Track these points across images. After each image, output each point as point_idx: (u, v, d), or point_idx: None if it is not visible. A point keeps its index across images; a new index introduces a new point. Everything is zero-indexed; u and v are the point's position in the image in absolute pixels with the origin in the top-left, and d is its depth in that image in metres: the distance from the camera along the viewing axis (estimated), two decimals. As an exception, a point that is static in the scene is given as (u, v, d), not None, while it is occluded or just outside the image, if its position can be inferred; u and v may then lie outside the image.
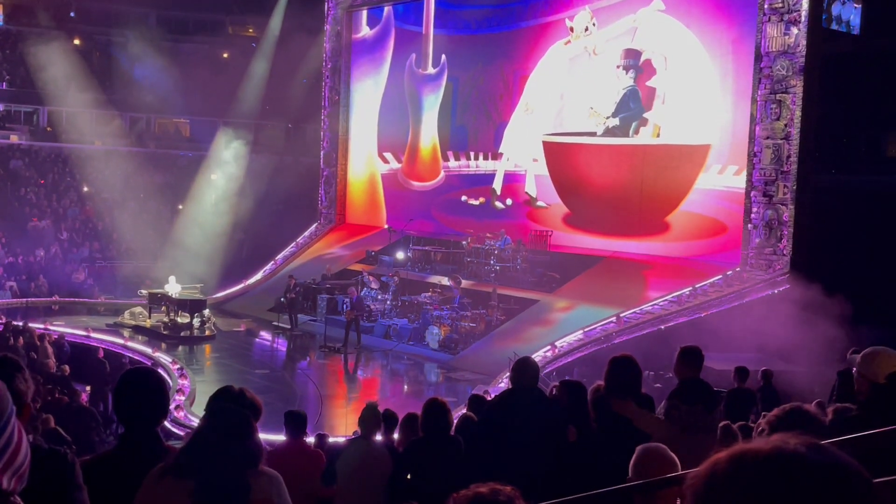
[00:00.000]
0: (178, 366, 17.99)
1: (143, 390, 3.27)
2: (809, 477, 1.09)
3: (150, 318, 22.42)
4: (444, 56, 26.42)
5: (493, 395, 13.64)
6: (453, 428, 6.19)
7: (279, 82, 31.14)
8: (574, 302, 19.65)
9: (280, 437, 7.57)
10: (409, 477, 5.57)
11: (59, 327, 20.52)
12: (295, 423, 7.08)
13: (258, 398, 2.99)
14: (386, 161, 28.29)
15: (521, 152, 24.20)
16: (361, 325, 20.48)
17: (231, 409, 2.93)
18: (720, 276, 18.35)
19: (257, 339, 22.41)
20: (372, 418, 6.68)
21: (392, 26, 28.13)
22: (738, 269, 18.45)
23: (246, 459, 2.88)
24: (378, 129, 28.55)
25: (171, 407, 15.18)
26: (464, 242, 22.91)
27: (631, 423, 4.63)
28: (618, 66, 21.54)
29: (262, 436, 3.19)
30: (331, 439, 9.59)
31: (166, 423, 14.42)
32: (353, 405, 15.50)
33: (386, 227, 26.78)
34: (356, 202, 29.58)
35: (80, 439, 12.00)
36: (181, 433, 13.09)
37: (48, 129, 33.40)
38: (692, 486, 1.16)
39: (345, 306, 21.01)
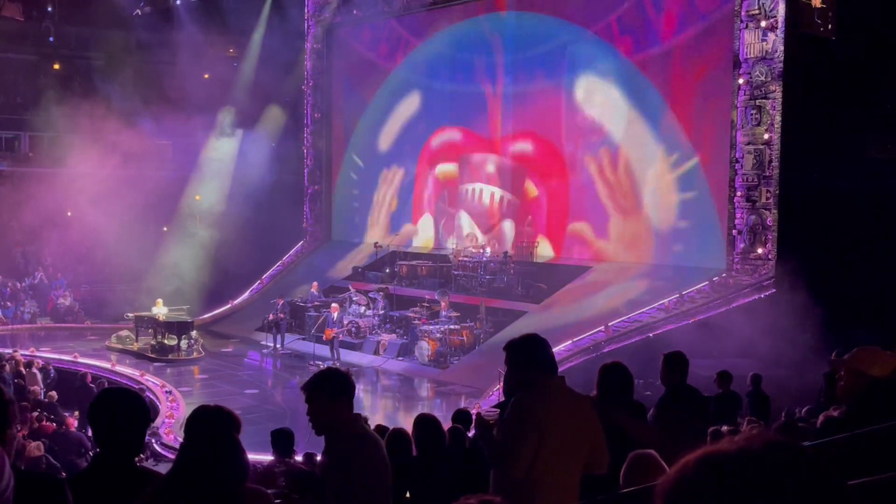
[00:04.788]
0: (166, 389, 17.87)
1: (117, 411, 3.21)
2: (772, 476, 1.08)
3: (137, 341, 22.30)
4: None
5: (483, 409, 13.63)
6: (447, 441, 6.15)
7: (261, 101, 31.08)
8: (562, 312, 19.64)
9: (269, 457, 7.53)
10: (407, 496, 5.50)
11: (45, 353, 20.34)
12: (281, 441, 7.04)
13: (235, 412, 2.96)
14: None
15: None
16: (350, 342, 20.30)
17: (214, 428, 2.91)
18: (706, 283, 18.40)
19: (246, 360, 22.27)
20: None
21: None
22: (723, 274, 18.51)
23: (235, 477, 2.86)
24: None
25: (162, 430, 15.08)
26: (450, 256, 22.88)
27: (623, 431, 4.63)
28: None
29: (250, 455, 3.16)
30: (319, 457, 9.53)
31: (157, 447, 14.34)
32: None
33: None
34: (341, 219, 29.58)
35: (69, 466, 11.90)
36: (172, 457, 12.97)
37: (30, 154, 33.24)
38: (661, 492, 1.15)
39: (330, 324, 20.92)
